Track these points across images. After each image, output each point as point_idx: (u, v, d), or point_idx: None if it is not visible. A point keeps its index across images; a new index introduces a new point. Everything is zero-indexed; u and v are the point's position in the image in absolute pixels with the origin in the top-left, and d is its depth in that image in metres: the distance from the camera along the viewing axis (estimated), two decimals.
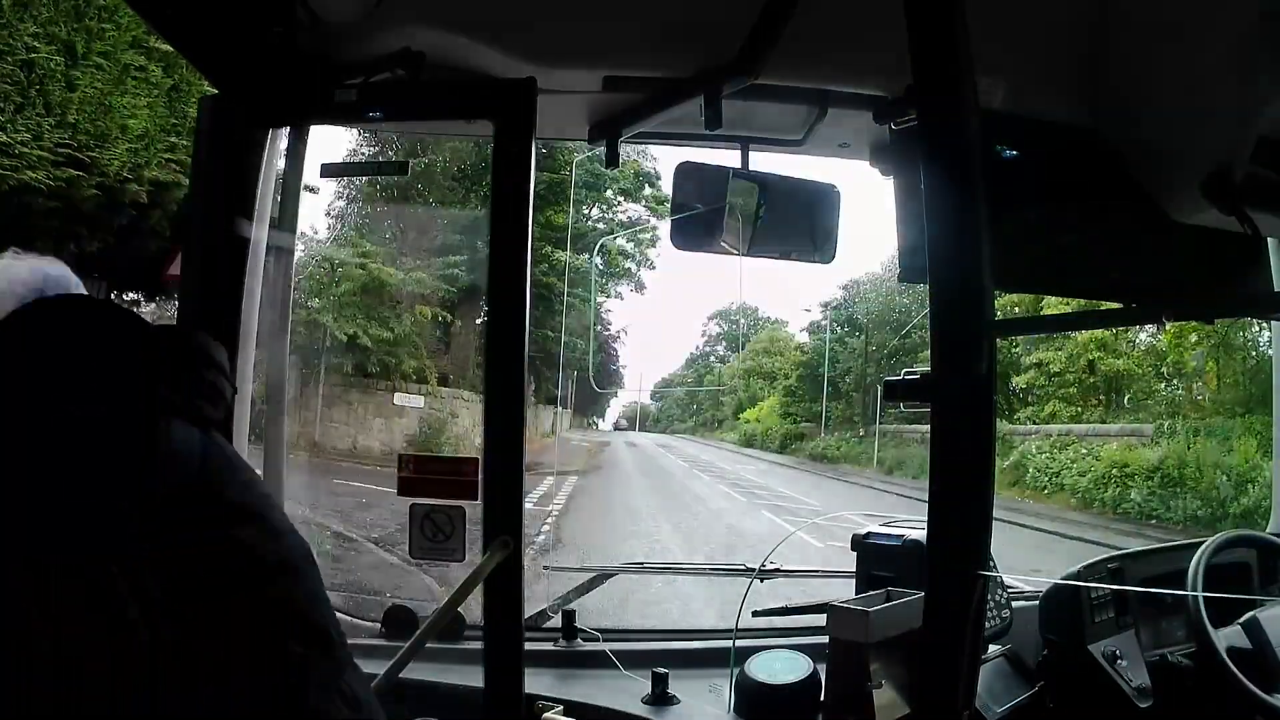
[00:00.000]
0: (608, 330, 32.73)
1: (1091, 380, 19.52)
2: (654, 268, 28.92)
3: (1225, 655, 1.82)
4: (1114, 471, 15.96)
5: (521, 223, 1.56)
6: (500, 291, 1.56)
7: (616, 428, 49.26)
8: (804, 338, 36.37)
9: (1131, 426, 17.15)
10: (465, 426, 19.72)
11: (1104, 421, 18.55)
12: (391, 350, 19.08)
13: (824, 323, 32.98)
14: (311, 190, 13.08)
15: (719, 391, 49.48)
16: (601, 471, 22.55)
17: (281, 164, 1.82)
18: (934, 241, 1.08)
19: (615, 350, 35.10)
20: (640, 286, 29.49)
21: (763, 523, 13.89)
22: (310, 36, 1.55)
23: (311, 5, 1.45)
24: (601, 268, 25.40)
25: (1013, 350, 19.97)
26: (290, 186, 1.78)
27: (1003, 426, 18.42)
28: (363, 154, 20.79)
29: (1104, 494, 15.91)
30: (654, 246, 27.90)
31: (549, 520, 13.25)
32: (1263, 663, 1.83)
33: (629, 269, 28.11)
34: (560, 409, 35.19)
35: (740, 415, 42.63)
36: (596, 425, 46.01)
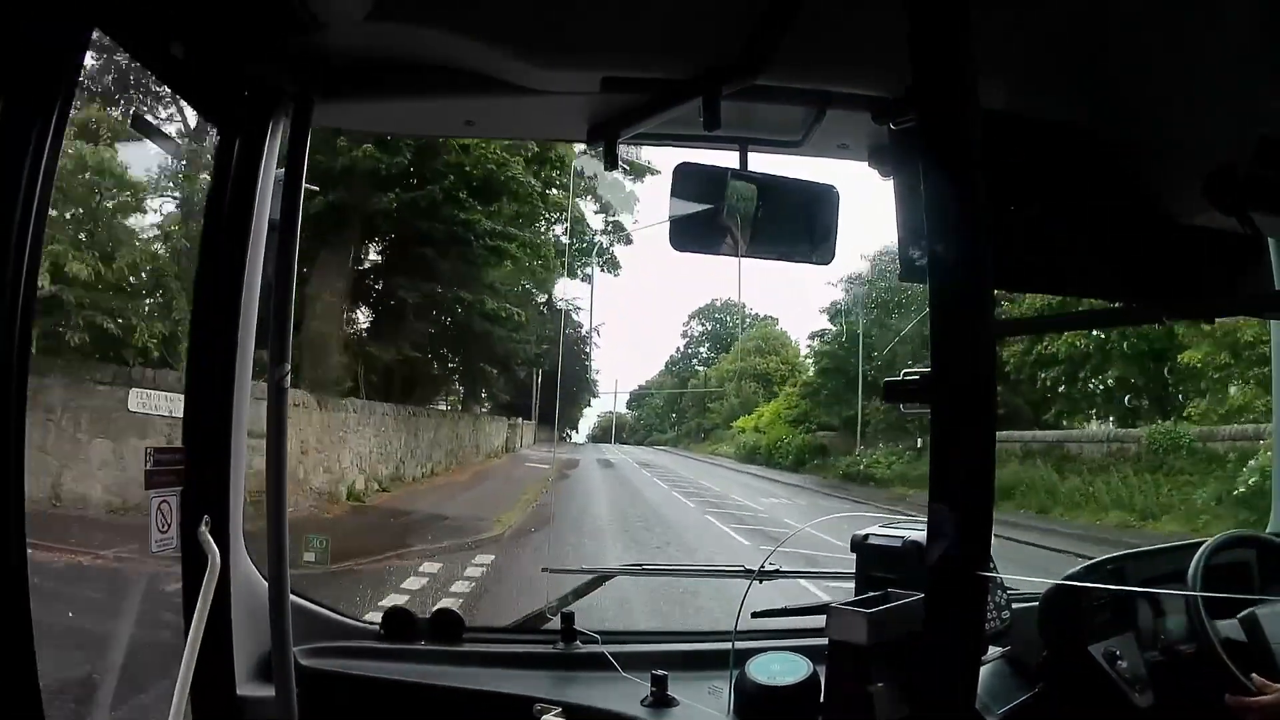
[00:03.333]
0: (578, 330, 26.97)
1: None
2: (630, 242, 23.34)
3: (1225, 653, 1.82)
4: None
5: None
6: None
7: (591, 438, 43.76)
8: (823, 322, 30.10)
9: None
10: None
11: None
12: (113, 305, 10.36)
13: (844, 304, 26.59)
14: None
15: (705, 397, 44.01)
16: (551, 525, 13.75)
17: (280, 164, 1.82)
18: (934, 242, 1.07)
19: (586, 351, 28.81)
20: (614, 266, 23.70)
21: None
22: (310, 36, 1.55)
23: (311, 5, 1.45)
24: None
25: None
26: (290, 186, 1.77)
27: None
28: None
29: None
30: (630, 213, 23.41)
31: None
32: (1261, 659, 1.83)
33: (599, 243, 22.99)
34: (523, 421, 28.81)
35: (735, 424, 37.60)
36: (570, 438, 39.24)
